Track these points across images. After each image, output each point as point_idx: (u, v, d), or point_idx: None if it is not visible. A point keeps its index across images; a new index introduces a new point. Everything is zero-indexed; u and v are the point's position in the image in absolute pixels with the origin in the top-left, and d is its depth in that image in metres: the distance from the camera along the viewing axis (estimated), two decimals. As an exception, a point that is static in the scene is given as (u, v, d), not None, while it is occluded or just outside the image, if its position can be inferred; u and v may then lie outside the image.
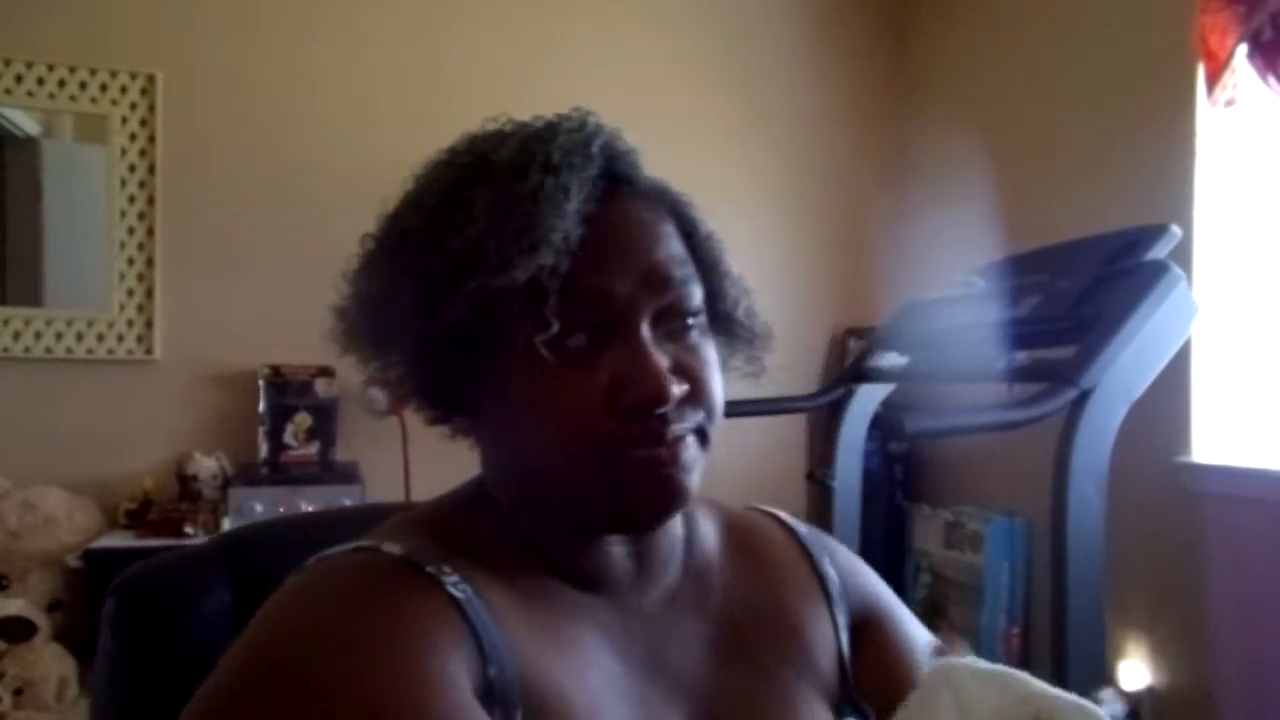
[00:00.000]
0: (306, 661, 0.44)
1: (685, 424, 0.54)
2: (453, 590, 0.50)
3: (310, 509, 2.11)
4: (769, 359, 0.66)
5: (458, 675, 0.46)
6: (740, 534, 0.68)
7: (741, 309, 0.62)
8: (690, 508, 0.64)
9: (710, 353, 0.58)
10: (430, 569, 0.51)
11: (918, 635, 0.69)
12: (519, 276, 0.50)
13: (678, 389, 0.53)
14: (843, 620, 0.66)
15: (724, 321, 0.62)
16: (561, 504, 0.56)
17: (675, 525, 0.62)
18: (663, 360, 0.53)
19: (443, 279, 0.51)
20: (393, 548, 0.52)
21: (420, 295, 0.52)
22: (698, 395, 0.55)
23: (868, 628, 0.67)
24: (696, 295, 0.57)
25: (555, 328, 0.51)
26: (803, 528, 0.71)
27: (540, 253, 0.50)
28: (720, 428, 0.58)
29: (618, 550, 0.58)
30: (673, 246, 0.56)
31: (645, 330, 0.53)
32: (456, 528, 0.57)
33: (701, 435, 0.56)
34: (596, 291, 0.52)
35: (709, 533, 0.66)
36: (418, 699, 0.43)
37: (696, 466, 0.56)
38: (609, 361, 0.53)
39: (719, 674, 0.59)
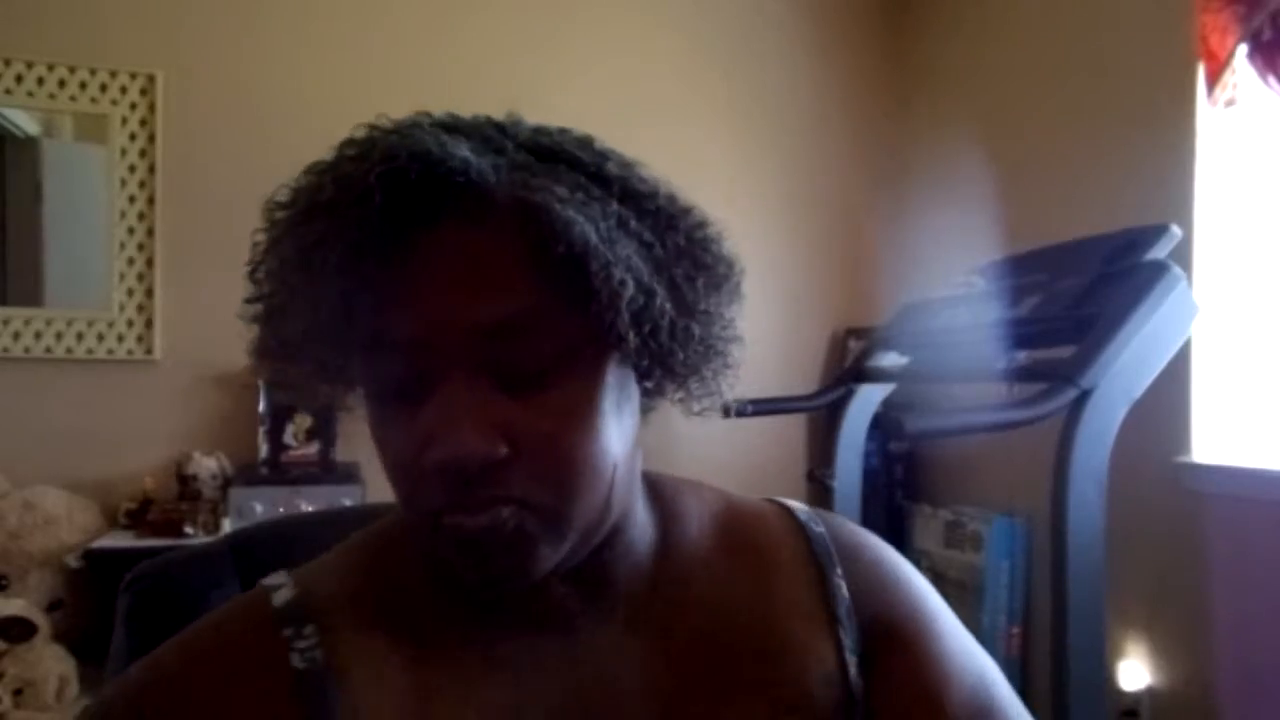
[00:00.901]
0: (131, 706, 0.48)
1: (505, 490, 0.46)
2: (297, 662, 0.49)
3: (310, 509, 2.11)
4: (740, 375, 0.55)
5: None
6: (739, 534, 0.59)
7: (633, 340, 0.48)
8: (674, 505, 0.59)
9: (583, 405, 0.48)
10: (288, 631, 0.50)
11: (952, 665, 0.57)
12: (293, 330, 0.47)
13: (492, 451, 0.45)
14: (849, 643, 0.56)
15: (631, 346, 0.48)
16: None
17: (634, 538, 0.55)
18: (478, 418, 0.45)
19: (265, 310, 0.49)
20: (284, 595, 0.52)
21: (261, 318, 0.50)
22: (536, 463, 0.46)
23: (889, 652, 0.57)
24: (552, 334, 0.47)
25: (366, 386, 0.49)
26: (819, 527, 0.61)
27: (309, 309, 0.46)
28: (590, 501, 0.49)
29: (553, 579, 0.51)
30: (506, 282, 0.46)
31: (460, 381, 0.46)
32: (392, 559, 0.54)
33: (543, 513, 0.47)
34: (393, 343, 0.46)
35: (696, 533, 0.58)
36: None
37: (538, 548, 0.47)
38: (425, 414, 0.47)
39: (676, 704, 0.52)
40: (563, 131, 0.54)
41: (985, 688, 0.57)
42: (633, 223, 0.49)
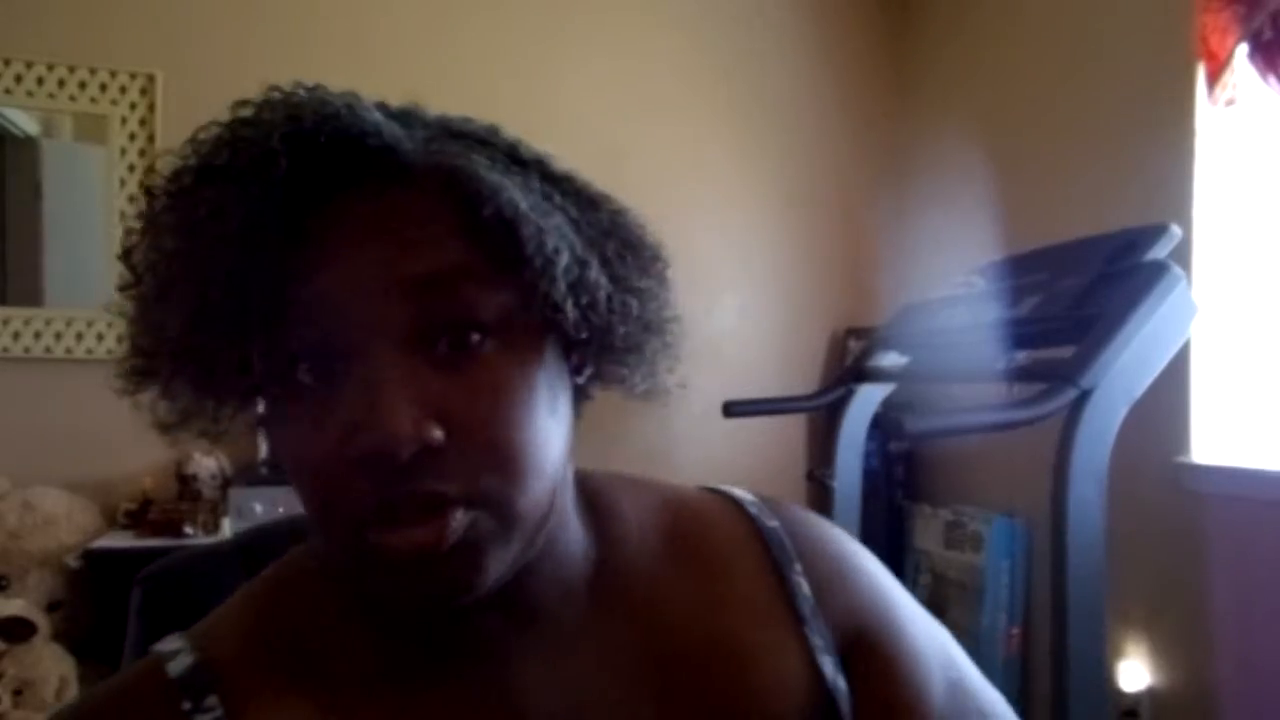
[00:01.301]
0: None
1: (452, 484, 0.40)
2: None
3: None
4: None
5: None
6: (684, 538, 0.54)
7: (571, 311, 0.44)
8: (607, 504, 0.53)
9: (516, 380, 0.43)
10: (187, 705, 0.44)
11: (928, 658, 0.55)
12: (183, 310, 0.40)
13: (426, 433, 0.39)
14: (820, 643, 0.52)
15: (564, 320, 0.44)
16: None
17: (566, 548, 0.49)
18: (407, 396, 0.39)
19: (136, 311, 0.43)
20: (181, 663, 0.46)
21: (135, 313, 0.44)
22: (475, 445, 0.41)
23: (862, 652, 0.53)
24: (482, 301, 0.42)
25: (269, 360, 0.42)
26: (772, 520, 0.56)
27: (202, 284, 0.40)
28: (536, 493, 0.43)
29: (477, 608, 0.44)
30: (431, 239, 0.42)
31: (384, 354, 0.40)
32: (295, 603, 0.49)
33: (492, 507, 0.41)
34: (306, 307, 0.40)
35: (636, 539, 0.53)
36: None
37: (490, 550, 0.41)
38: (342, 397, 0.40)
39: None
40: (468, 120, 0.50)
41: (955, 669, 0.56)
42: (556, 198, 0.46)
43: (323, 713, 0.45)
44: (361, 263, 0.40)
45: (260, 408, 0.46)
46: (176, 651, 0.47)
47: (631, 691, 0.48)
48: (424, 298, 0.41)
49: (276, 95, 0.43)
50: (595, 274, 0.45)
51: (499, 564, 0.42)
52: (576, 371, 0.49)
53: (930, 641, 0.56)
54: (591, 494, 0.54)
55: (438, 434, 0.40)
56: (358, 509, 0.40)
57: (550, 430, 0.44)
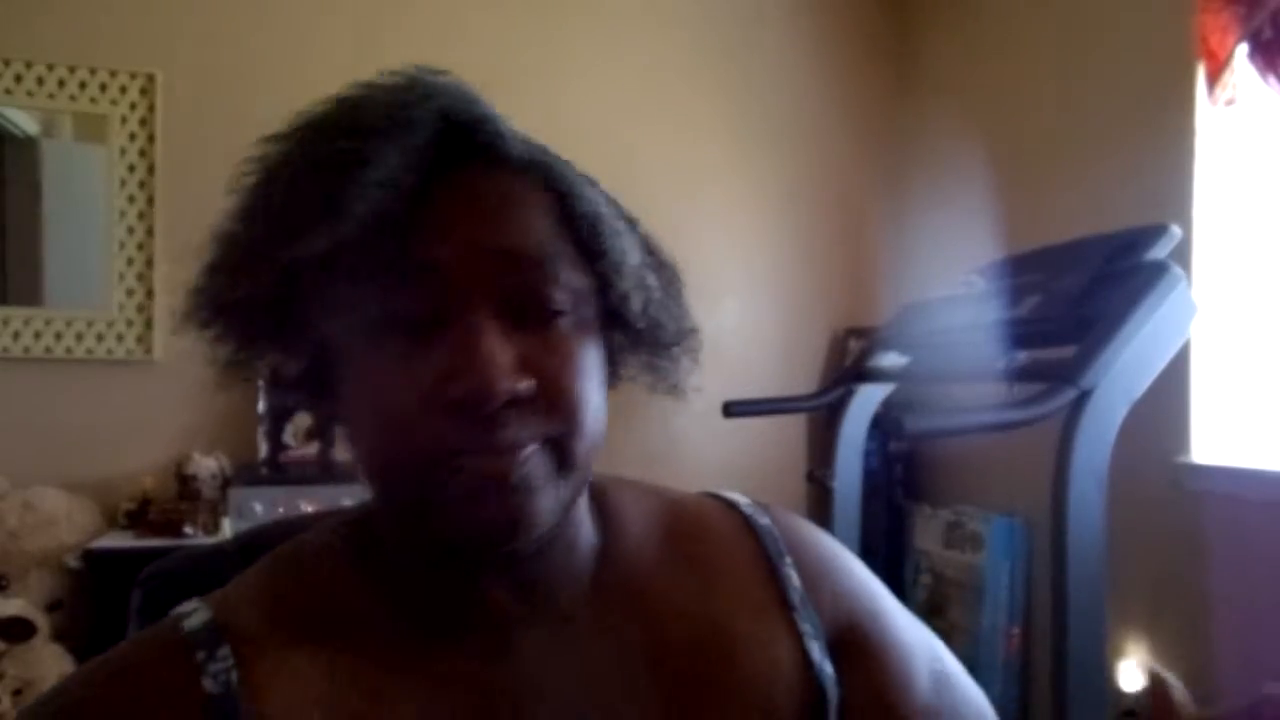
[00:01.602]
0: None
1: (528, 431, 0.46)
2: (209, 686, 0.46)
3: (310, 509, 2.11)
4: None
5: None
6: (682, 535, 0.58)
7: (641, 302, 0.52)
8: (613, 508, 0.57)
9: (582, 353, 0.49)
10: (200, 655, 0.47)
11: (913, 649, 0.58)
12: (315, 247, 0.44)
13: (518, 384, 0.45)
14: (809, 630, 0.55)
15: (621, 319, 0.52)
16: (401, 524, 0.50)
17: (576, 538, 0.53)
18: (504, 351, 0.45)
19: (250, 249, 0.47)
20: (196, 619, 0.49)
21: (232, 267, 0.48)
22: (551, 399, 0.46)
23: (851, 646, 0.56)
24: (568, 279, 0.48)
25: (372, 314, 0.46)
26: (764, 519, 0.61)
27: (338, 222, 0.43)
28: (590, 446, 0.49)
29: (492, 578, 0.50)
30: (533, 222, 0.48)
31: (484, 314, 0.46)
32: (313, 573, 0.52)
33: (558, 450, 0.47)
34: (422, 265, 0.45)
35: (638, 535, 0.57)
36: None
37: (550, 489, 0.47)
38: (441, 349, 0.45)
39: (610, 709, 0.50)
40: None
41: (940, 662, 0.60)
42: (616, 208, 0.53)
43: (331, 673, 0.47)
44: (474, 233, 0.46)
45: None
46: (193, 610, 0.50)
47: (629, 675, 0.51)
48: (521, 271, 0.47)
49: (417, 73, 0.49)
50: (650, 278, 0.53)
51: (553, 503, 0.47)
52: (611, 361, 0.54)
53: (917, 634, 0.60)
54: (598, 493, 0.58)
55: (528, 384, 0.45)
56: (442, 444, 0.45)
57: (601, 400, 0.50)
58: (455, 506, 0.45)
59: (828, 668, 0.55)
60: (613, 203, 0.53)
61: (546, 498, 0.47)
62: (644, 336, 0.54)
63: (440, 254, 0.45)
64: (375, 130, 0.45)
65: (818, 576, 0.58)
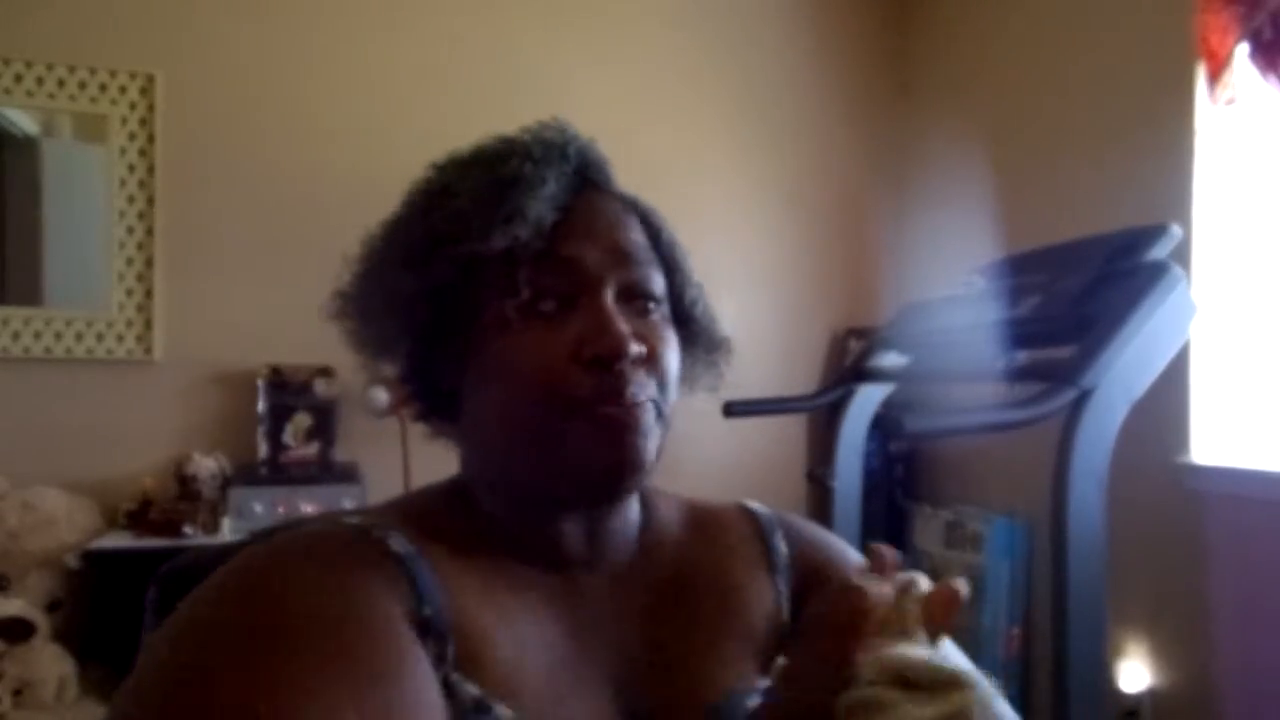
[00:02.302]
0: (261, 606, 0.49)
1: (642, 389, 0.60)
2: (394, 546, 0.56)
3: (310, 509, 2.11)
4: (731, 371, 0.73)
5: (391, 611, 0.52)
6: (700, 519, 0.74)
7: (700, 310, 0.69)
8: (651, 497, 0.73)
9: (670, 337, 0.64)
10: (377, 534, 0.56)
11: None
12: (497, 244, 0.58)
13: (637, 347, 0.59)
14: (784, 589, 0.72)
15: (684, 322, 0.68)
16: (524, 470, 0.61)
17: (631, 509, 0.69)
18: (625, 323, 0.59)
19: (427, 246, 0.60)
20: (350, 520, 0.58)
21: (407, 260, 0.60)
22: (654, 364, 0.61)
23: (816, 585, 0.70)
24: (659, 281, 0.64)
25: (526, 294, 0.59)
26: (766, 511, 0.77)
27: (516, 225, 0.58)
28: (671, 407, 0.63)
29: (571, 529, 0.64)
30: (636, 235, 0.64)
31: (609, 297, 0.60)
32: (423, 508, 0.64)
33: (656, 408, 0.61)
34: (567, 259, 0.60)
35: (669, 518, 0.73)
36: (354, 635, 0.49)
37: (653, 437, 0.61)
38: (576, 322, 0.59)
39: (651, 635, 0.65)
40: None
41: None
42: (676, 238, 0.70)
43: (473, 571, 0.59)
44: (601, 237, 0.62)
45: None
46: (334, 519, 0.59)
47: (661, 609, 0.66)
48: (634, 268, 0.62)
49: (563, 124, 0.66)
50: (702, 297, 0.70)
51: (655, 449, 0.61)
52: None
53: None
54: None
55: (642, 348, 0.60)
56: (580, 392, 0.58)
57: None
58: (590, 444, 0.58)
59: (786, 610, 0.72)
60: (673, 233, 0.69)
61: (653, 443, 0.61)
62: (699, 339, 0.70)
63: (580, 250, 0.60)
64: (543, 161, 0.61)
65: (799, 548, 0.75)
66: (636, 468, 0.59)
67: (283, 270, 2.38)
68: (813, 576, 0.72)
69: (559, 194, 0.61)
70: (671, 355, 0.63)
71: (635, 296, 0.62)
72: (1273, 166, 1.95)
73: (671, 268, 0.67)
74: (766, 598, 0.71)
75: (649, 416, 0.60)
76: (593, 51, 2.73)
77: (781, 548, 0.74)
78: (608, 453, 0.59)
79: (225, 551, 0.76)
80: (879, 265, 2.94)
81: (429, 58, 2.58)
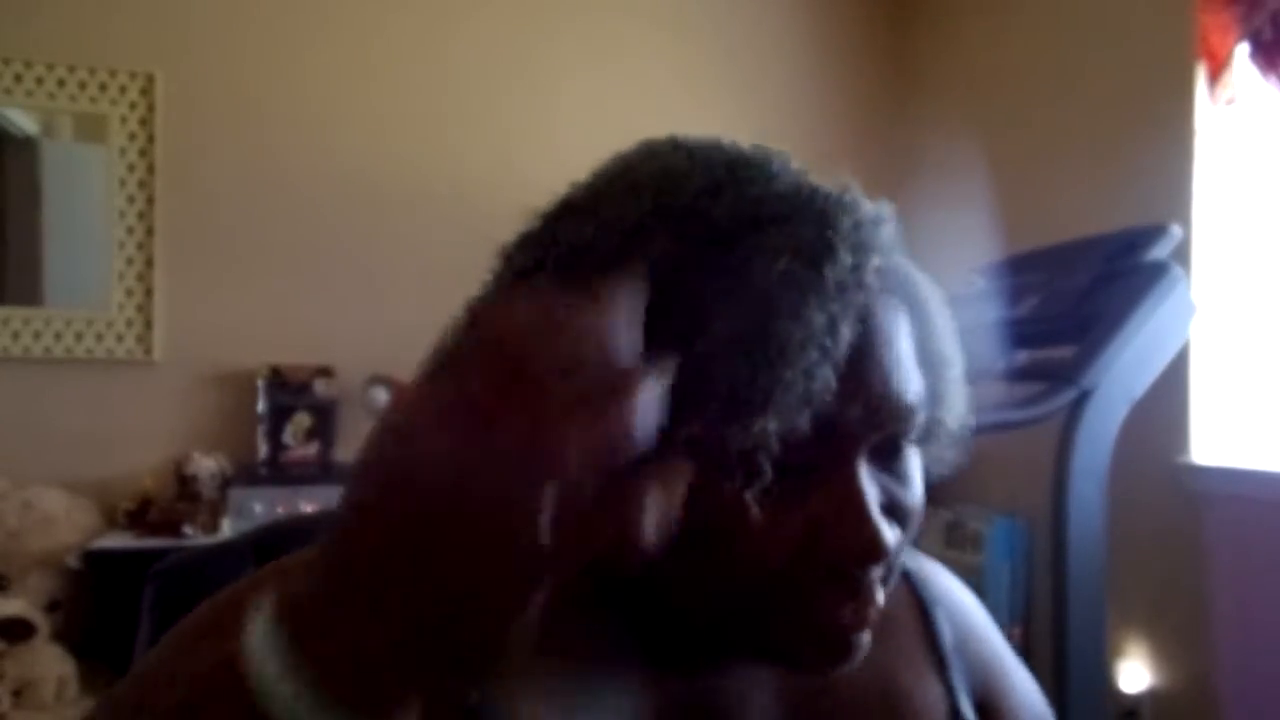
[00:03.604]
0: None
1: (882, 572, 0.44)
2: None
3: (310, 509, 2.11)
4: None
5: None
6: None
7: (956, 416, 0.49)
8: None
9: (918, 466, 0.47)
10: None
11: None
12: (740, 440, 0.37)
13: (891, 538, 0.42)
14: (961, 685, 0.55)
15: (932, 426, 0.48)
16: (702, 623, 0.46)
17: None
18: (875, 503, 0.42)
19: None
20: None
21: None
22: (908, 531, 0.45)
23: (987, 709, 0.56)
24: (922, 410, 0.45)
25: (769, 477, 0.40)
26: (912, 564, 0.60)
27: (783, 412, 0.37)
28: None
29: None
30: (908, 360, 0.44)
31: (861, 466, 0.42)
32: None
33: (893, 577, 0.46)
34: (818, 424, 0.39)
35: None
36: None
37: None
38: (810, 499, 0.41)
39: None
40: None
41: None
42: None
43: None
44: (868, 388, 0.42)
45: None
46: None
47: (793, 711, 0.51)
48: (900, 422, 0.44)
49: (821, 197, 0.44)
50: (960, 391, 0.51)
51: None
52: None
53: (1042, 710, 0.61)
54: None
55: (899, 539, 0.44)
56: (806, 595, 0.42)
57: None
58: (804, 642, 0.44)
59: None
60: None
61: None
62: (946, 442, 0.51)
63: (837, 416, 0.40)
64: (844, 285, 0.41)
65: (965, 633, 0.58)
66: (852, 664, 0.44)
67: (282, 270, 2.38)
68: (988, 690, 0.56)
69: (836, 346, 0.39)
70: (920, 498, 0.46)
71: (892, 445, 0.45)
72: (1273, 166, 1.95)
73: (938, 372, 0.47)
74: (940, 706, 0.53)
75: (881, 601, 0.44)
76: (590, 51, 2.73)
77: (947, 633, 0.56)
78: (824, 656, 0.44)
79: (218, 549, 0.76)
80: (879, 265, 2.93)
81: (429, 59, 2.58)
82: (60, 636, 1.99)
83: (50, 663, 1.92)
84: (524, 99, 2.59)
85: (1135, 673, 2.03)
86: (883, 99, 3.01)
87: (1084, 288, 1.59)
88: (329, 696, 0.28)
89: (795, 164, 0.45)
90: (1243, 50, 1.83)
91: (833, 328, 0.38)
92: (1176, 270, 1.50)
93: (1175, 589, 1.97)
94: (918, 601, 0.57)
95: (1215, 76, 1.87)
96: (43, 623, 1.93)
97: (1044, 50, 2.43)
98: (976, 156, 2.55)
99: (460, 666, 0.30)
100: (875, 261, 0.41)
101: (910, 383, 0.43)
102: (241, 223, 2.42)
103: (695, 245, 0.39)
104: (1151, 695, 2.01)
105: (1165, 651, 2.00)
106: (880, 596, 0.43)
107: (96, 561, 2.01)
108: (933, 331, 0.47)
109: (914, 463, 0.46)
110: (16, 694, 1.87)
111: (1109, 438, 1.44)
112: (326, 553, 0.30)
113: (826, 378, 0.38)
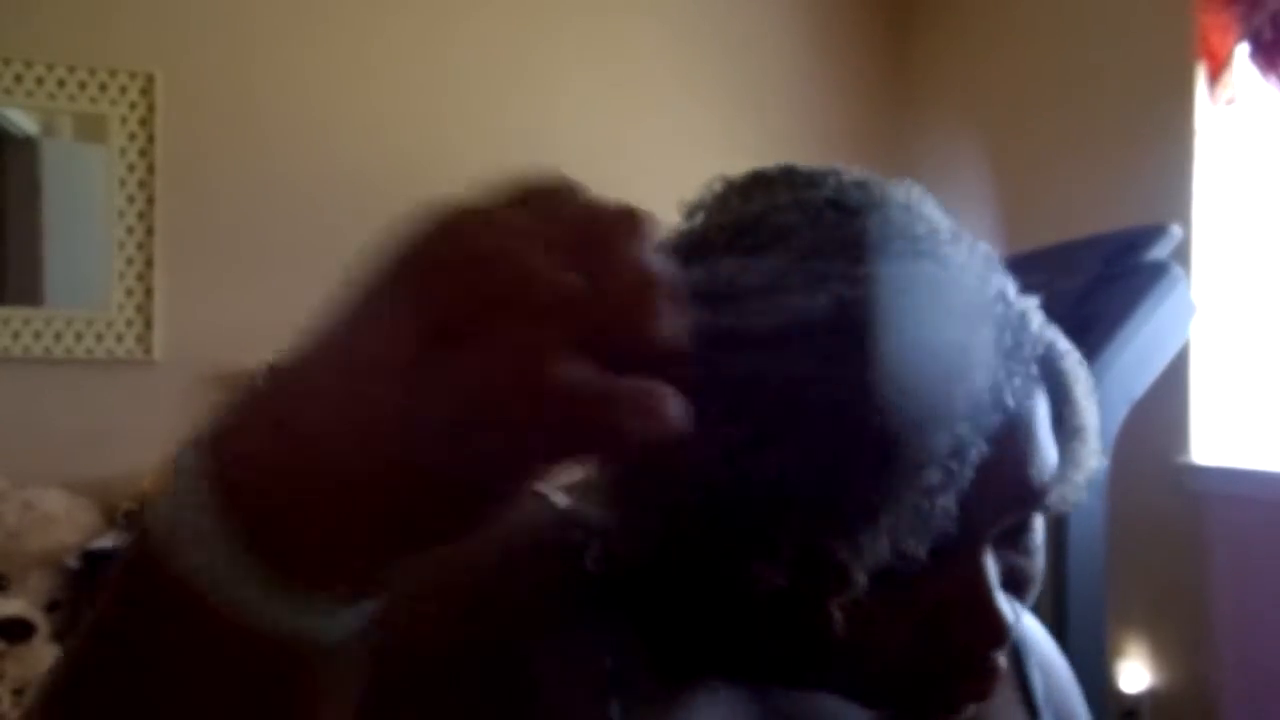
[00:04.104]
0: None
1: (1006, 650, 0.42)
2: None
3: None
4: None
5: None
6: None
7: (1086, 471, 0.46)
8: None
9: (1042, 538, 0.44)
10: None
11: None
12: (863, 565, 0.35)
13: (1012, 617, 0.41)
14: None
15: (1062, 488, 0.45)
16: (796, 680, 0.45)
17: None
18: (997, 586, 0.40)
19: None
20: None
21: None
22: (1025, 602, 0.44)
23: None
24: (1055, 488, 0.43)
25: (861, 591, 0.37)
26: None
27: (893, 533, 0.35)
28: None
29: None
30: (1045, 444, 0.41)
31: (990, 557, 0.40)
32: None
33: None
34: (948, 519, 0.37)
35: None
36: None
37: None
38: (934, 586, 0.39)
39: None
40: None
41: None
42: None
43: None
44: (991, 481, 0.38)
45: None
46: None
47: None
48: (1027, 507, 0.42)
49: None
50: (1087, 458, 0.48)
51: None
52: None
53: None
54: None
55: (1015, 617, 0.42)
56: (921, 670, 0.41)
57: None
58: (915, 702, 0.43)
59: None
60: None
61: None
62: (1066, 494, 0.48)
63: (968, 510, 0.37)
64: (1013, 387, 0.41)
65: (1053, 681, 0.56)
66: (964, 715, 0.43)
67: (283, 270, 2.38)
68: None
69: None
70: (1041, 566, 0.44)
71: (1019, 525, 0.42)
72: (1273, 166, 1.95)
73: (1072, 437, 0.44)
74: None
75: (1003, 663, 0.42)
76: (590, 50, 2.72)
77: (1039, 683, 0.54)
78: (939, 715, 0.44)
79: None
80: (879, 265, 2.93)
81: (428, 59, 2.58)
82: (60, 636, 1.99)
83: (50, 663, 1.92)
84: (524, 99, 2.59)
85: (1135, 673, 2.03)
86: (883, 99, 3.01)
87: (1084, 288, 1.59)
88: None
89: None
90: (1243, 50, 1.83)
91: (960, 451, 0.35)
92: (1176, 270, 1.50)
93: (1175, 589, 1.97)
94: (1013, 650, 0.54)
95: (1215, 76, 1.87)
96: (43, 623, 1.93)
97: (1044, 50, 2.43)
98: (976, 156, 2.55)
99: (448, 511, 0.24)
100: (1017, 381, 0.38)
101: (1047, 466, 0.41)
102: (241, 223, 2.42)
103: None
104: (1151, 695, 2.01)
105: (1165, 651, 2.00)
106: (1001, 669, 0.42)
107: (97, 561, 2.01)
108: (1072, 403, 0.45)
109: (1039, 533, 0.44)
110: (16, 694, 1.87)
111: (1109, 438, 1.44)
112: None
113: (948, 505, 0.35)
